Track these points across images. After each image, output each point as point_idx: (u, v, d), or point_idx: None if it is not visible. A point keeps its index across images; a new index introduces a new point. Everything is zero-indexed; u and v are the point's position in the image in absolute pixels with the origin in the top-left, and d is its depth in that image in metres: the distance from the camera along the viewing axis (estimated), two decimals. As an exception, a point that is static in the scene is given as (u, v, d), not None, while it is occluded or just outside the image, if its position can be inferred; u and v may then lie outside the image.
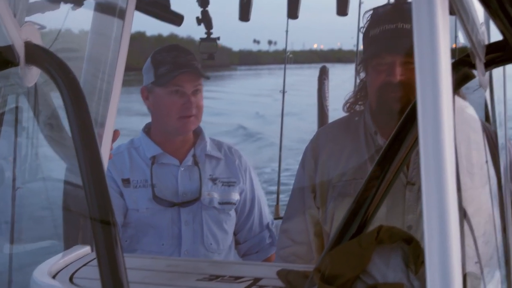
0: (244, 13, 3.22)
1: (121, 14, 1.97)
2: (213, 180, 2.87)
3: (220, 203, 2.85)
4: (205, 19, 3.14)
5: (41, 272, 1.66)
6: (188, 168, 2.85)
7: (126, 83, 2.20)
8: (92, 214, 1.08)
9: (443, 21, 0.72)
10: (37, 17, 1.71)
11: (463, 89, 1.46)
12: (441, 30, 0.72)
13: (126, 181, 2.78)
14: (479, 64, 1.22)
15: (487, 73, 1.35)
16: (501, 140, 1.53)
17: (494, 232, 1.40)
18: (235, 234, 2.98)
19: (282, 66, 5.87)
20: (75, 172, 1.82)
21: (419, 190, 2.17)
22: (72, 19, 1.97)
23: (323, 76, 5.37)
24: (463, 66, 1.22)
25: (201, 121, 2.87)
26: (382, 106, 2.23)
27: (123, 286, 1.03)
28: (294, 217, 2.44)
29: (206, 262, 1.90)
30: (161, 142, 2.85)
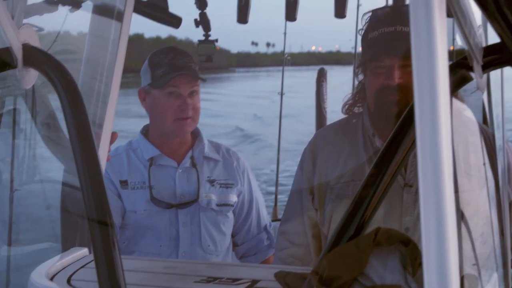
0: (242, 15, 3.23)
1: (119, 16, 1.97)
2: (211, 182, 2.87)
3: (218, 205, 2.85)
4: (203, 21, 3.14)
5: (39, 274, 1.66)
6: (186, 170, 2.85)
7: (124, 85, 2.20)
8: (90, 216, 1.08)
9: (441, 24, 0.73)
10: (35, 19, 1.71)
11: (461, 91, 1.46)
12: (438, 33, 0.72)
13: (124, 183, 2.79)
14: (477, 67, 1.22)
15: (485, 76, 1.35)
16: (498, 142, 1.53)
17: (492, 233, 1.40)
18: (233, 236, 2.98)
19: (280, 68, 5.87)
20: (73, 174, 1.82)
21: (416, 192, 2.17)
22: (70, 21, 1.97)
23: (321, 78, 5.37)
24: (460, 69, 1.22)
25: (198, 123, 2.87)
26: (380, 109, 2.23)
27: (120, 288, 1.03)
28: (293, 219, 2.44)
29: (204, 264, 1.90)
30: (159, 144, 2.85)
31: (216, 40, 3.23)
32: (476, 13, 1.17)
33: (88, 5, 2.05)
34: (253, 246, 3.01)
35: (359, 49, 2.62)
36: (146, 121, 2.94)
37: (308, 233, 2.39)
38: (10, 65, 1.26)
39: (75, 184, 1.86)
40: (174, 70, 2.73)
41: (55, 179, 2.07)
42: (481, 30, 1.29)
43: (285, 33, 5.67)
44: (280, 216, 3.79)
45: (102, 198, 1.10)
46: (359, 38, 2.40)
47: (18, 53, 1.26)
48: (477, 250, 1.31)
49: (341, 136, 2.39)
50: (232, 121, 22.88)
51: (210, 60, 3.25)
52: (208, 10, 3.12)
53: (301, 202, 2.40)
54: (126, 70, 2.04)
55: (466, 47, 1.17)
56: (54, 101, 1.84)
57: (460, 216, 1.23)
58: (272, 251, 2.99)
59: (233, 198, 2.90)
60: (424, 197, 0.72)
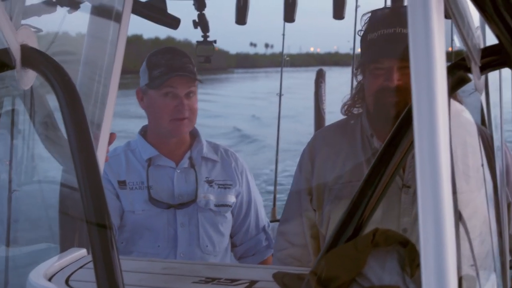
0: (241, 17, 3.23)
1: (117, 17, 1.97)
2: (209, 183, 2.87)
3: (216, 205, 2.85)
4: (201, 22, 3.15)
5: (37, 275, 1.66)
6: (184, 170, 2.85)
7: (122, 86, 2.21)
8: (88, 216, 1.08)
9: (439, 25, 0.73)
10: (33, 20, 1.71)
11: (459, 92, 1.46)
12: (436, 34, 0.72)
13: (122, 183, 2.79)
14: (475, 68, 1.22)
15: (483, 77, 1.35)
16: (496, 143, 1.53)
17: (490, 235, 1.40)
18: (231, 236, 2.98)
19: (279, 69, 5.88)
20: (72, 174, 1.82)
21: (414, 193, 2.17)
22: (68, 22, 1.97)
23: (319, 79, 5.39)
24: (458, 70, 1.22)
25: (195, 124, 2.87)
26: (379, 110, 2.23)
27: (118, 289, 1.03)
28: (291, 219, 2.44)
29: (202, 265, 1.90)
30: (157, 144, 2.86)
31: (215, 41, 3.24)
32: (474, 15, 1.18)
33: (86, 6, 2.05)
34: (252, 247, 3.01)
35: (358, 50, 2.63)
36: (145, 122, 2.94)
37: (307, 234, 2.39)
38: (8, 66, 1.26)
39: (73, 185, 1.86)
40: (171, 71, 2.73)
41: (53, 180, 2.07)
42: (479, 32, 1.29)
43: (283, 34, 5.68)
44: (279, 217, 3.79)
45: (101, 199, 1.10)
46: (358, 39, 2.40)
47: (16, 54, 1.26)
48: (475, 251, 1.32)
49: (339, 137, 2.39)
50: (230, 122, 22.89)
51: (209, 61, 3.26)
52: (206, 11, 3.12)
53: (300, 202, 2.40)
54: (124, 71, 2.04)
55: (464, 48, 1.17)
56: (52, 102, 1.84)
57: (458, 217, 1.23)
58: (270, 251, 3.00)
59: (232, 199, 2.90)
60: (422, 198, 0.72)
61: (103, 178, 2.55)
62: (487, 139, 1.60)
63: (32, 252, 2.12)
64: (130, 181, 2.79)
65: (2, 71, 1.28)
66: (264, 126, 20.28)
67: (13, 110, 1.89)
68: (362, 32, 2.32)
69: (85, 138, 1.15)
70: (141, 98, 2.85)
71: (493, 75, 1.39)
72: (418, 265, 1.22)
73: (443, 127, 0.72)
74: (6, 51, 1.24)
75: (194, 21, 3.13)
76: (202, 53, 3.25)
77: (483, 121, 1.66)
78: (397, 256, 1.25)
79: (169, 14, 2.66)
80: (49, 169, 2.16)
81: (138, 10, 2.54)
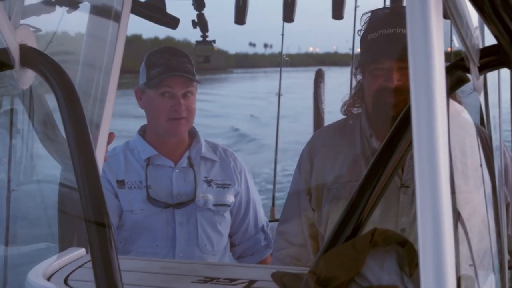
0: (240, 16, 3.23)
1: (116, 17, 1.97)
2: (208, 182, 2.87)
3: (214, 205, 2.85)
4: (201, 22, 3.15)
5: (36, 274, 1.66)
6: (183, 170, 2.85)
7: (122, 85, 2.21)
8: (87, 216, 1.08)
9: (437, 25, 0.73)
10: (32, 20, 1.71)
11: (458, 92, 1.46)
12: (435, 34, 0.72)
13: (121, 183, 2.79)
14: (473, 68, 1.22)
15: (482, 77, 1.35)
16: (495, 143, 1.54)
17: (489, 235, 1.41)
18: (230, 236, 2.98)
19: (278, 69, 5.88)
20: (70, 174, 1.82)
21: (413, 193, 2.17)
22: (67, 22, 1.97)
23: (319, 79, 5.40)
24: (457, 70, 1.22)
25: (192, 124, 2.87)
26: (379, 110, 2.23)
27: (117, 289, 1.03)
28: (291, 219, 2.44)
29: (201, 264, 1.90)
30: (156, 144, 2.86)
31: (214, 41, 3.24)
32: (473, 15, 1.18)
33: (85, 6, 2.05)
34: (251, 247, 3.01)
35: (357, 50, 2.63)
36: (144, 121, 2.94)
37: (306, 233, 2.39)
38: (7, 66, 1.26)
39: (72, 185, 1.86)
40: (168, 71, 2.73)
41: (52, 179, 2.07)
42: (477, 32, 1.29)
43: (282, 34, 5.69)
44: (278, 217, 3.79)
45: (100, 199, 1.10)
46: (357, 39, 2.39)
47: (15, 53, 1.26)
48: (474, 250, 1.32)
49: (338, 137, 2.39)
50: (229, 122, 22.89)
51: (208, 61, 3.26)
52: (205, 11, 3.12)
53: (299, 202, 2.40)
54: (123, 71, 2.04)
55: (463, 48, 1.17)
56: (51, 102, 1.84)
57: (457, 217, 1.23)
58: (269, 251, 3.00)
59: (230, 198, 2.90)
60: (420, 198, 0.72)
61: (102, 177, 2.55)
62: (485, 139, 1.60)
63: (31, 252, 2.12)
64: (129, 181, 2.79)
65: (1, 71, 1.28)
66: (263, 126, 20.28)
67: (12, 109, 1.89)
68: (362, 32, 2.31)
69: (84, 137, 1.15)
70: (140, 98, 2.86)
71: (491, 76, 1.39)
72: (416, 265, 1.22)
73: (441, 127, 0.72)
74: (5, 51, 1.24)
75: (193, 21, 3.13)
76: (201, 53, 3.25)
77: (481, 121, 1.66)
78: (395, 256, 1.25)
79: (168, 14, 2.66)
80: (48, 168, 2.16)
81: (137, 9, 2.54)
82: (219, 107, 27.46)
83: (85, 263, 1.78)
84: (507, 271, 1.47)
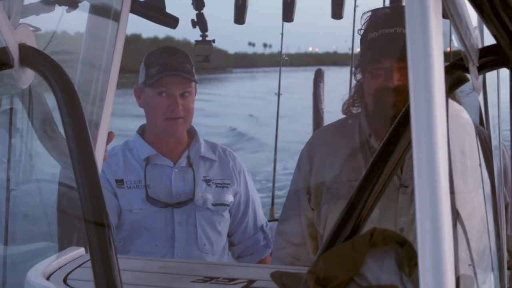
0: (239, 16, 3.23)
1: (116, 16, 1.97)
2: (207, 182, 2.87)
3: (213, 205, 2.85)
4: (200, 22, 3.14)
5: (35, 273, 1.66)
6: (182, 170, 2.85)
7: (121, 85, 2.21)
8: (86, 215, 1.08)
9: (436, 25, 0.73)
10: (31, 19, 1.71)
11: (457, 92, 1.46)
12: (434, 34, 0.72)
13: (120, 182, 2.79)
14: (472, 68, 1.22)
15: (481, 77, 1.35)
16: (494, 143, 1.54)
17: (488, 235, 1.41)
18: (229, 236, 2.98)
19: (277, 68, 5.88)
20: (70, 173, 1.82)
21: (412, 192, 2.17)
22: (67, 21, 1.97)
23: (318, 79, 5.39)
24: (456, 70, 1.22)
25: (191, 123, 2.87)
26: (378, 110, 2.23)
27: (116, 288, 1.03)
28: (290, 219, 2.44)
29: (200, 264, 1.90)
30: (155, 143, 2.86)
31: (213, 41, 3.23)
32: (472, 15, 1.18)
33: (85, 5, 2.05)
34: (250, 246, 3.01)
35: (357, 49, 2.62)
36: (143, 121, 2.94)
37: (305, 233, 2.40)
38: (6, 65, 1.26)
39: (71, 184, 1.86)
40: (166, 70, 2.73)
41: (51, 179, 2.07)
42: (477, 32, 1.29)
43: (282, 34, 5.68)
44: (277, 216, 3.79)
45: (99, 198, 1.10)
46: (357, 38, 2.39)
47: (14, 53, 1.26)
48: (473, 250, 1.32)
49: (338, 136, 2.39)
50: (229, 122, 22.90)
51: (207, 61, 3.25)
52: (205, 11, 3.12)
53: (299, 202, 2.40)
54: (123, 70, 2.04)
55: (462, 48, 1.17)
56: (51, 101, 1.84)
57: (456, 216, 1.23)
58: (268, 251, 3.00)
59: (229, 198, 2.90)
60: (419, 197, 0.72)
61: (101, 177, 2.55)
62: (485, 139, 1.60)
63: (30, 251, 2.12)
64: (128, 180, 2.79)
65: (0, 70, 1.28)
66: (262, 126, 20.28)
67: (11, 108, 1.89)
68: (362, 31, 2.31)
69: (83, 137, 1.15)
70: (139, 96, 2.86)
71: (491, 75, 1.39)
72: (415, 265, 1.22)
73: (441, 127, 0.72)
74: (4, 50, 1.24)
75: (192, 21, 3.13)
76: (201, 52, 3.25)
77: (481, 121, 1.66)
78: (395, 255, 1.25)
79: (168, 14, 2.65)
80: (47, 168, 2.16)
81: (136, 9, 2.53)
82: (218, 107, 27.45)
83: (85, 262, 1.78)
84: (506, 271, 1.47)
